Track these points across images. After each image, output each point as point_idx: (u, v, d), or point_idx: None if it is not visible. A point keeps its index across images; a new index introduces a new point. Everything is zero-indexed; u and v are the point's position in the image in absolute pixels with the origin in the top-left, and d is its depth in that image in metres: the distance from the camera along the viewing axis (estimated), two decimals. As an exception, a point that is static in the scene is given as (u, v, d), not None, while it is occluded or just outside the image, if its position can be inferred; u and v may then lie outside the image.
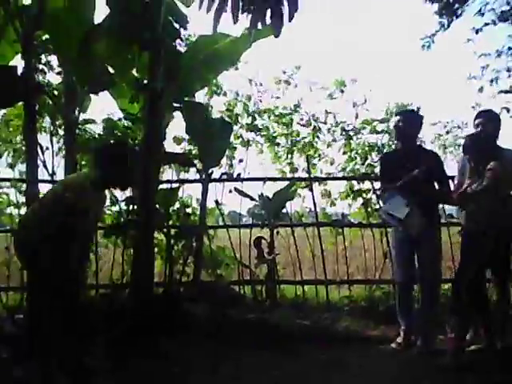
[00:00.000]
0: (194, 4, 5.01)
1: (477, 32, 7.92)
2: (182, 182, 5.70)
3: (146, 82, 4.84)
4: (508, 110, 6.32)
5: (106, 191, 3.53)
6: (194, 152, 5.78)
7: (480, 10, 7.73)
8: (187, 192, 5.75)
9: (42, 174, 5.26)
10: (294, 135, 6.02)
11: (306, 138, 6.02)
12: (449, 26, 7.88)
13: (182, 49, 5.17)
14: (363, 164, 5.88)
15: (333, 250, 5.74)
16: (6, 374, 3.49)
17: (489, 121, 3.85)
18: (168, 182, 5.66)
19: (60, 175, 5.32)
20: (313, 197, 5.73)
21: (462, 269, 3.76)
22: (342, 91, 5.97)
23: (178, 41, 5.09)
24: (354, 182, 5.82)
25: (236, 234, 5.63)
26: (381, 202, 5.46)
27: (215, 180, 5.62)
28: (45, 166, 5.42)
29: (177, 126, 5.67)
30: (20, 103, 4.73)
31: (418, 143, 4.39)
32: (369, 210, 5.72)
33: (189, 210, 5.66)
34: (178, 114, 5.48)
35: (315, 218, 5.78)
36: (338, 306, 5.27)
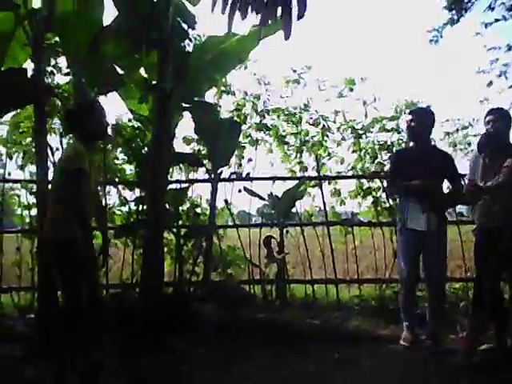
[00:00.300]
0: (201, 4, 5.04)
1: (486, 26, 7.85)
2: (192, 181, 5.71)
3: (154, 82, 4.86)
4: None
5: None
6: (203, 152, 5.78)
7: (490, 5, 7.66)
8: (197, 192, 5.77)
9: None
10: (303, 134, 6.00)
11: (315, 136, 5.99)
12: (458, 20, 7.81)
13: (190, 49, 5.18)
14: (373, 162, 5.84)
15: (343, 249, 5.73)
16: (18, 373, 3.53)
17: (500, 118, 3.83)
18: (177, 181, 5.68)
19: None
20: (322, 196, 5.74)
21: (482, 268, 3.70)
22: (352, 90, 5.93)
23: (186, 41, 5.11)
24: (364, 181, 5.79)
25: (246, 234, 5.64)
26: (391, 201, 5.46)
27: (224, 180, 5.63)
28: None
29: (186, 126, 5.69)
30: (30, 105, 4.76)
31: (432, 143, 4.35)
32: (378, 208, 5.68)
33: (198, 210, 5.68)
34: (187, 114, 5.49)
35: (325, 217, 5.77)
36: (348, 306, 5.26)
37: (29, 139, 5.42)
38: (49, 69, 4.91)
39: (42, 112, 4.50)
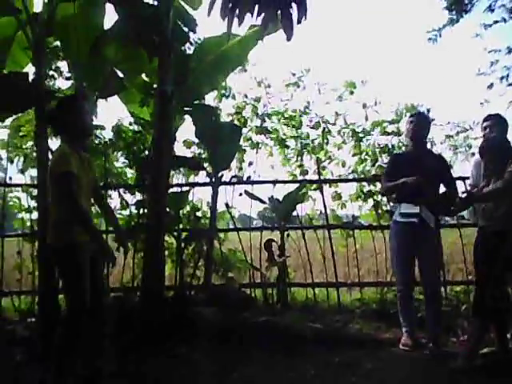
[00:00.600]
0: (201, 7, 5.07)
1: (485, 28, 7.87)
2: (193, 185, 5.71)
3: (155, 85, 4.87)
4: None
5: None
6: (203, 155, 5.78)
7: (490, 6, 7.67)
8: (197, 195, 5.78)
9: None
10: (303, 137, 6.01)
11: (315, 139, 6.00)
12: (458, 21, 7.82)
13: (191, 51, 5.19)
14: (373, 165, 5.85)
15: (343, 252, 5.73)
16: (19, 377, 3.52)
17: (497, 124, 3.85)
18: (178, 185, 5.68)
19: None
20: (323, 199, 5.73)
21: (483, 271, 3.69)
22: (352, 93, 5.95)
23: (187, 44, 5.12)
24: (365, 184, 5.79)
25: (246, 237, 5.64)
26: (391, 203, 5.45)
27: (225, 183, 5.63)
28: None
29: (187, 129, 5.71)
30: (31, 109, 4.77)
31: (428, 147, 4.39)
32: (379, 211, 5.68)
33: (199, 214, 5.68)
34: (187, 118, 5.50)
35: (326, 220, 5.77)
36: (349, 309, 5.25)
37: (30, 143, 5.43)
38: (50, 72, 4.92)
39: (43, 116, 4.51)
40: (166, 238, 5.10)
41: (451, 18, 7.87)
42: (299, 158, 6.00)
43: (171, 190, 5.37)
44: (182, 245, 5.38)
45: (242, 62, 5.54)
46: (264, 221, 5.89)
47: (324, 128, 5.96)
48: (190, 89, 5.19)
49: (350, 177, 5.95)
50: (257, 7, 3.03)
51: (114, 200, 5.60)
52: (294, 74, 6.02)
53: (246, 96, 6.02)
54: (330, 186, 5.86)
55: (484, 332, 3.67)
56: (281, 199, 5.59)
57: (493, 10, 7.72)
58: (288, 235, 5.57)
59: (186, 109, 5.36)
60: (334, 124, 5.97)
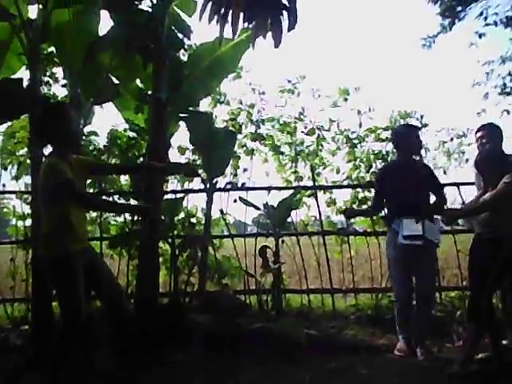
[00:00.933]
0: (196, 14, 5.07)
1: (480, 36, 7.95)
2: (187, 191, 5.70)
3: (150, 92, 4.87)
4: (508, 112, 6.39)
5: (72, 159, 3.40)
6: (198, 162, 5.78)
7: (482, 13, 7.75)
8: (192, 202, 5.74)
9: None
10: (298, 144, 6.02)
11: (310, 146, 6.02)
12: (451, 28, 7.91)
13: (185, 58, 5.20)
14: (368, 172, 5.87)
15: (338, 258, 5.72)
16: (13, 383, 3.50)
17: (490, 134, 3.87)
18: (173, 192, 5.67)
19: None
20: (318, 205, 5.73)
21: (478, 277, 3.68)
22: (346, 99, 5.98)
23: (181, 50, 5.13)
24: (359, 190, 5.81)
25: (241, 244, 5.62)
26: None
27: (220, 189, 5.62)
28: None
29: (181, 135, 5.70)
30: (25, 115, 4.76)
31: (414, 157, 4.37)
32: (374, 218, 5.69)
33: (194, 220, 5.66)
34: (182, 124, 5.50)
35: (320, 226, 5.77)
36: (344, 315, 5.24)
37: (24, 149, 5.41)
38: (45, 79, 4.91)
39: (37, 122, 4.49)
40: (161, 244, 5.09)
41: (443, 24, 7.95)
42: (294, 165, 6.01)
43: (166, 197, 5.35)
44: (177, 251, 5.36)
45: (235, 67, 5.55)
46: (259, 227, 5.88)
47: (318, 134, 5.97)
48: (184, 95, 5.19)
49: (345, 183, 5.96)
50: (248, 14, 3.06)
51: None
52: (289, 81, 6.04)
53: (241, 102, 6.03)
54: (324, 193, 5.87)
55: (479, 337, 3.67)
56: (275, 205, 5.58)
57: (486, 18, 7.82)
58: (283, 241, 5.55)
59: (180, 115, 5.36)
60: (328, 130, 5.99)
